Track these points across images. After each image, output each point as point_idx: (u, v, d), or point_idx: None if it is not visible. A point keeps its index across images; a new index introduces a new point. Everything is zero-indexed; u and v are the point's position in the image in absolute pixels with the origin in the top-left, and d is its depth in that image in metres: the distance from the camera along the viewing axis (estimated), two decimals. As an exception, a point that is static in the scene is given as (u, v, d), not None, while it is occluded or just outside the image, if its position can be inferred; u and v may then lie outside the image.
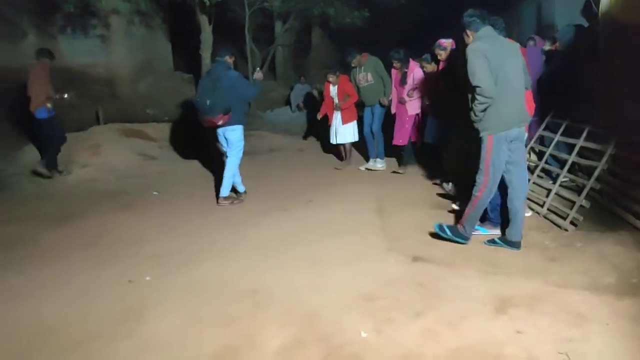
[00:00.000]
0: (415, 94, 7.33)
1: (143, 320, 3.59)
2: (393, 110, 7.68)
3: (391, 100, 7.76)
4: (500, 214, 4.84)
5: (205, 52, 11.60)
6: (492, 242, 4.64)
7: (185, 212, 6.03)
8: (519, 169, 4.49)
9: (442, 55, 6.19)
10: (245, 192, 6.49)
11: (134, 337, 3.40)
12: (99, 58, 12.10)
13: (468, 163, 4.82)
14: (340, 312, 3.54)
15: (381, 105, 7.83)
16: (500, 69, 4.17)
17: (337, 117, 8.08)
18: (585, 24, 7.93)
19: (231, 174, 6.29)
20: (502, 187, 4.55)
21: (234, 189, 6.43)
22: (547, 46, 6.95)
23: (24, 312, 3.81)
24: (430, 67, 6.98)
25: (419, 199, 6.12)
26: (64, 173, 7.99)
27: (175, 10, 12.56)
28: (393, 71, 7.67)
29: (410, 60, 7.46)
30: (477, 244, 4.67)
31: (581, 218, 4.93)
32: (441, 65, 6.41)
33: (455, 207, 5.61)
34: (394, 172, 7.57)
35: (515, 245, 4.50)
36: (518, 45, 4.70)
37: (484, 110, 4.22)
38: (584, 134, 5.63)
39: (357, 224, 5.38)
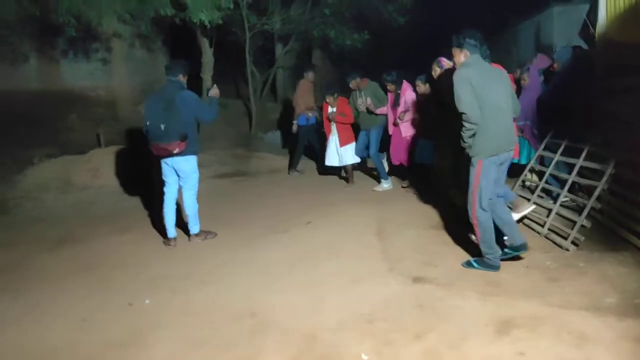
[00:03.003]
0: (407, 116, 7.33)
1: (140, 344, 3.57)
2: (390, 132, 7.71)
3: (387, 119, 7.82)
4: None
5: (206, 75, 11.66)
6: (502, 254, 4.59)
7: (185, 235, 5.99)
8: (499, 188, 4.52)
9: (437, 72, 6.22)
10: (174, 238, 5.77)
11: (131, 361, 3.38)
12: (100, 81, 12.14)
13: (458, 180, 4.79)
14: (340, 334, 3.51)
15: (368, 110, 7.82)
16: (486, 95, 4.21)
17: (334, 140, 8.11)
18: (583, 45, 7.97)
19: (194, 210, 5.73)
20: None
21: (165, 234, 5.82)
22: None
23: (17, 337, 3.80)
24: (424, 88, 7.03)
25: (419, 220, 6.09)
26: (300, 173, 9.58)
27: (175, 32, 12.64)
28: (389, 94, 7.69)
29: (404, 81, 7.48)
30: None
31: (582, 238, 4.90)
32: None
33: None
34: (404, 187, 7.70)
35: (522, 247, 4.49)
36: (505, 72, 4.71)
37: (472, 136, 4.28)
38: (584, 154, 5.63)
39: (356, 245, 5.36)
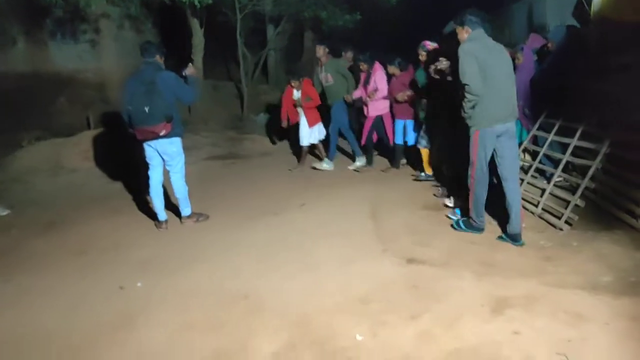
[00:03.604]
0: (377, 95, 7.45)
1: (132, 327, 3.54)
2: (365, 112, 7.82)
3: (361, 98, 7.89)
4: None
5: (197, 56, 11.53)
6: (499, 237, 4.73)
7: (177, 217, 5.94)
8: (510, 163, 4.61)
9: (423, 56, 6.48)
10: (166, 220, 5.70)
11: (122, 344, 3.35)
12: (89, 63, 11.98)
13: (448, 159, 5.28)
14: (334, 316, 3.49)
15: (345, 102, 8.00)
16: (488, 69, 4.38)
17: (304, 122, 8.09)
18: (577, 25, 7.93)
19: (184, 193, 5.66)
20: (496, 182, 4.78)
21: (155, 217, 5.74)
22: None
23: (9, 321, 3.77)
24: (392, 69, 7.28)
25: (412, 201, 6.07)
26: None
27: (165, 13, 12.47)
28: (362, 74, 7.85)
29: (376, 62, 7.62)
30: (471, 244, 4.63)
31: (576, 217, 4.89)
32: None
33: (448, 203, 5.71)
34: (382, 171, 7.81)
35: (515, 238, 4.59)
36: (505, 49, 4.81)
37: (473, 107, 4.44)
38: (578, 133, 5.60)
39: (350, 227, 5.33)
